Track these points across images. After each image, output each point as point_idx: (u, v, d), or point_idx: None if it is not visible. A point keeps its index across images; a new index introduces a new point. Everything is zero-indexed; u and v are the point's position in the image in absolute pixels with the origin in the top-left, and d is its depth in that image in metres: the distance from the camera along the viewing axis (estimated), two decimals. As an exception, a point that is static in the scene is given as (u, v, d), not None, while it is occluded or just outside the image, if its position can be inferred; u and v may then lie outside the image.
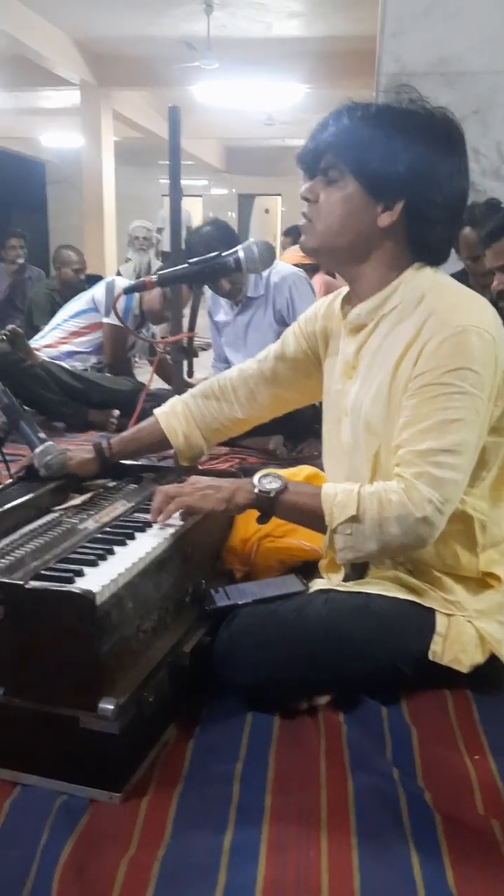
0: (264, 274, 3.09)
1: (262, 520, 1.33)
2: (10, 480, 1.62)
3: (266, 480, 1.31)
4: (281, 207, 15.77)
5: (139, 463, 1.74)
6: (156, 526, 1.36)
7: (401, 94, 1.32)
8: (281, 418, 1.71)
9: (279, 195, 15.62)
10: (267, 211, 15.65)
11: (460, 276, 2.88)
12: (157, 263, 6.40)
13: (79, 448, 1.68)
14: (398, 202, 1.28)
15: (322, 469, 1.61)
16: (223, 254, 1.47)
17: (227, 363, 3.30)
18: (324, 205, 1.32)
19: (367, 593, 1.34)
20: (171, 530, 1.36)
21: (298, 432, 2.92)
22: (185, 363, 1.90)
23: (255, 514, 1.34)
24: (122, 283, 3.81)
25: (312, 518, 1.29)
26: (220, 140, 14.41)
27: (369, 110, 1.30)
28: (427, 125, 1.28)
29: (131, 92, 10.16)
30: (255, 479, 1.31)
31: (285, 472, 1.84)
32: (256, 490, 1.30)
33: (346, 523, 1.24)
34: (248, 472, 1.91)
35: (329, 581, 1.38)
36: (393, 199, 1.28)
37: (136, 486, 1.66)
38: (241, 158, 15.33)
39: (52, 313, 4.15)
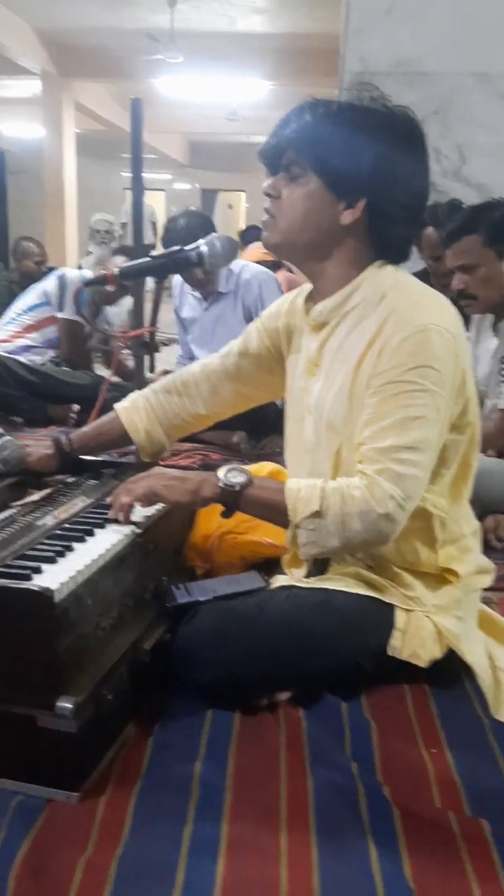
0: (235, 270, 3.11)
1: (227, 514, 1.33)
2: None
3: (231, 475, 1.30)
4: (244, 203, 15.77)
5: (99, 458, 1.72)
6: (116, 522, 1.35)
7: (362, 93, 1.32)
8: (244, 414, 1.71)
9: (243, 191, 15.63)
10: (230, 206, 15.65)
11: (422, 276, 2.92)
12: (120, 259, 6.34)
13: (38, 443, 1.66)
14: (360, 200, 1.29)
15: (284, 466, 1.61)
16: (185, 248, 1.46)
17: (194, 360, 3.28)
18: (286, 201, 1.32)
19: (328, 589, 1.35)
20: (132, 527, 1.35)
21: (261, 428, 2.92)
22: (147, 358, 1.88)
23: (217, 510, 1.33)
24: (74, 275, 3.75)
25: (276, 513, 1.29)
26: (183, 134, 14.35)
27: (331, 107, 1.30)
28: (388, 123, 1.29)
29: (94, 83, 10.07)
30: (220, 472, 1.31)
31: (248, 468, 1.85)
32: (221, 484, 1.30)
33: (309, 518, 1.24)
34: (210, 469, 1.91)
35: (291, 576, 1.38)
36: (355, 197, 1.29)
37: (95, 481, 1.64)
38: (204, 153, 15.30)
39: (13, 306, 4.09)
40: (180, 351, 3.44)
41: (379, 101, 1.31)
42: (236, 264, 3.19)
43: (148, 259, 1.47)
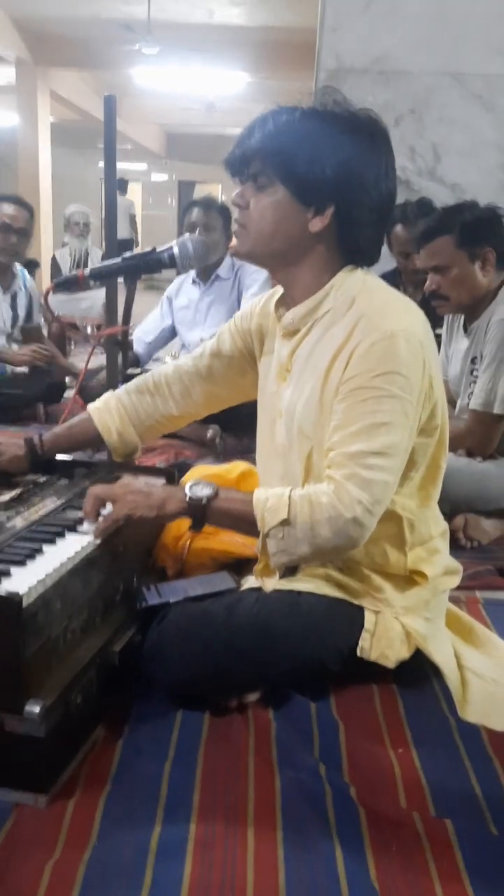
0: (237, 263, 3.22)
1: (195, 527, 1.32)
2: None
3: (197, 488, 1.30)
4: (221, 195, 15.71)
5: (71, 458, 1.72)
6: (86, 523, 1.35)
7: (326, 97, 1.32)
8: (220, 413, 1.71)
9: (220, 183, 15.56)
10: (207, 199, 15.54)
11: (392, 274, 2.94)
12: (96, 251, 6.30)
13: (9, 443, 1.64)
14: (328, 207, 1.29)
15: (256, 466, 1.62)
16: (157, 249, 1.46)
17: (154, 340, 3.39)
18: (254, 211, 1.32)
19: (297, 591, 1.36)
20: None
21: (235, 424, 2.93)
22: (120, 356, 1.88)
23: None
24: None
25: (244, 523, 1.29)
26: (160, 125, 14.25)
27: (294, 115, 1.29)
28: (352, 128, 1.28)
29: (69, 72, 9.94)
30: (186, 487, 1.30)
31: (220, 469, 1.86)
32: (188, 498, 1.29)
33: (277, 527, 1.25)
34: (183, 468, 1.91)
35: (264, 585, 1.38)
36: (323, 204, 1.29)
37: (67, 481, 1.64)
38: (181, 145, 15.21)
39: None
40: (142, 328, 3.45)
41: (342, 105, 1.31)
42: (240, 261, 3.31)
43: (118, 260, 1.46)
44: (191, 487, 1.31)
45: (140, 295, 1.73)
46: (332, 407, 1.30)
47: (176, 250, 1.44)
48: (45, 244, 9.38)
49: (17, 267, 3.59)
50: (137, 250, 1.60)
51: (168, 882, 0.96)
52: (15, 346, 3.68)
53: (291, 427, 1.39)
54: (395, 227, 2.83)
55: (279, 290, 1.48)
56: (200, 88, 9.73)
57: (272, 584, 1.32)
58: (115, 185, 1.96)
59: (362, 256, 1.36)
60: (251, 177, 1.31)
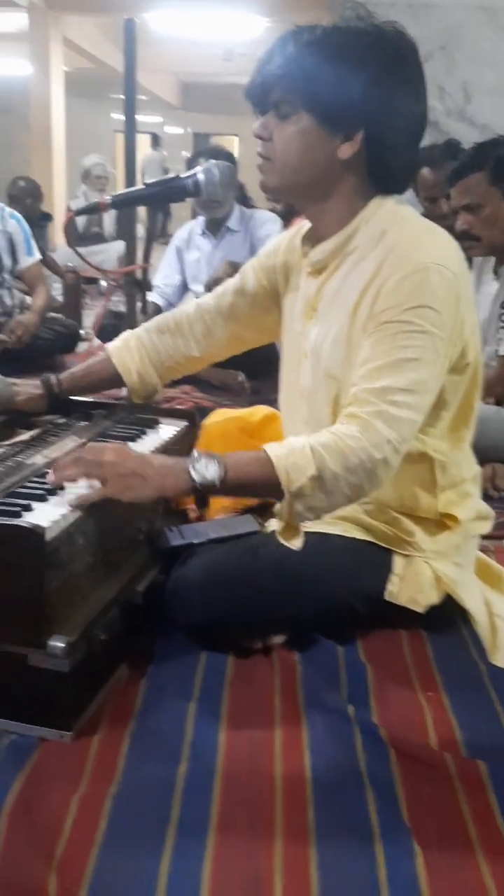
0: (247, 213, 3.18)
1: (201, 504, 1.18)
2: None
3: (202, 466, 1.13)
4: (238, 147, 15.38)
5: (89, 399, 1.68)
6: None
7: (347, 12, 1.24)
8: (244, 357, 1.66)
9: (236, 135, 15.22)
10: (223, 152, 15.24)
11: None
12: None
13: (26, 383, 1.60)
14: (357, 131, 1.21)
15: (278, 409, 1.57)
16: (181, 175, 1.39)
17: (173, 290, 3.32)
18: (279, 142, 1.24)
19: (324, 533, 1.32)
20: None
21: (260, 370, 2.89)
22: (139, 297, 1.82)
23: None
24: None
25: (265, 488, 1.16)
26: (175, 74, 13.91)
27: (315, 34, 1.20)
28: (378, 43, 1.20)
29: (83, 18, 9.67)
30: (191, 466, 1.14)
31: (241, 412, 1.81)
32: (197, 482, 1.13)
33: (306, 484, 1.12)
34: (203, 413, 1.87)
35: (293, 546, 1.22)
36: (352, 129, 1.21)
37: (86, 422, 1.60)
38: (197, 95, 14.86)
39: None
40: (161, 276, 3.36)
41: (366, 21, 1.22)
42: (249, 210, 3.28)
43: (142, 187, 1.40)
44: (195, 467, 1.14)
45: (157, 251, 1.68)
46: (360, 345, 1.24)
47: (201, 176, 1.38)
48: (59, 196, 9.23)
49: None
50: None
51: (195, 817, 0.95)
52: (17, 293, 3.58)
53: (318, 368, 1.34)
54: (422, 169, 2.73)
55: (305, 225, 1.41)
56: (217, 34, 9.45)
57: (299, 542, 1.18)
58: (135, 120, 1.89)
59: (394, 183, 1.30)
60: (273, 106, 1.23)
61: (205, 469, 1.13)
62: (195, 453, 1.16)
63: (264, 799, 0.98)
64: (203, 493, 1.15)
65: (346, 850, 0.91)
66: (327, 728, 1.11)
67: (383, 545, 1.34)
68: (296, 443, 1.16)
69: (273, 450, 1.15)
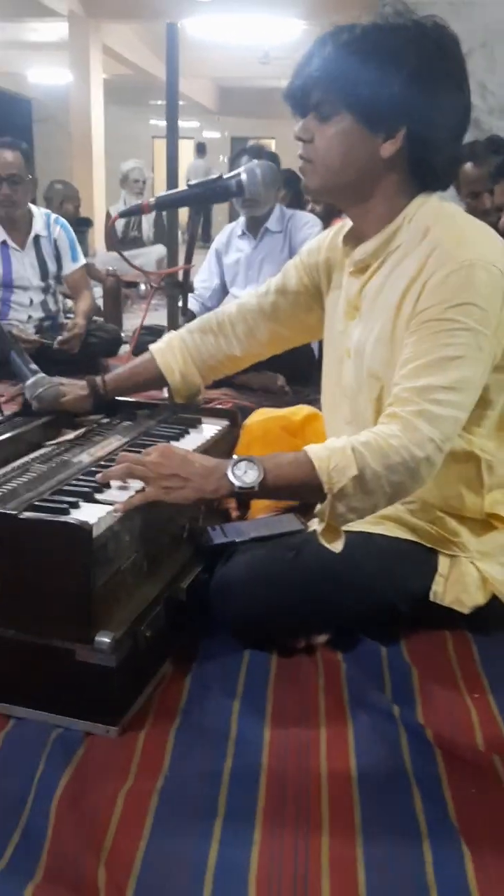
0: (287, 214, 3.15)
1: (243, 506, 1.22)
2: (7, 415, 1.56)
3: (242, 472, 1.14)
4: (275, 151, 15.39)
5: (133, 399, 1.69)
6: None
7: (386, 8, 1.22)
8: (279, 361, 1.66)
9: (273, 138, 15.24)
10: (260, 156, 15.26)
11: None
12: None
13: (73, 383, 1.62)
14: (399, 129, 1.20)
15: (321, 409, 1.57)
16: (224, 176, 1.40)
17: (211, 293, 3.31)
18: (320, 144, 1.23)
19: (368, 532, 1.31)
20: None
21: (298, 375, 2.89)
22: (180, 298, 1.83)
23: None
24: None
25: (305, 490, 1.16)
26: (213, 80, 13.98)
27: (354, 33, 1.19)
28: (417, 37, 1.18)
29: (122, 25, 9.79)
30: (230, 470, 1.15)
31: (284, 412, 1.81)
32: (237, 487, 1.14)
33: (348, 485, 1.12)
34: (245, 412, 1.88)
35: (334, 549, 1.20)
36: (393, 127, 1.20)
37: (130, 422, 1.62)
38: (234, 99, 14.91)
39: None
40: (201, 280, 3.35)
41: (405, 16, 1.20)
42: (289, 210, 3.24)
43: (185, 188, 1.41)
44: (233, 472, 1.15)
45: (199, 255, 1.68)
46: (403, 344, 1.22)
47: (244, 177, 1.38)
48: (98, 202, 9.35)
49: (37, 212, 3.35)
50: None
51: (242, 813, 0.95)
52: (61, 298, 3.63)
53: (360, 367, 1.33)
54: (464, 165, 2.70)
55: (347, 223, 1.41)
56: (255, 37, 9.48)
57: (340, 544, 1.18)
58: (177, 123, 1.90)
59: (437, 180, 1.28)
60: (313, 107, 1.23)
61: (244, 474, 1.14)
62: (235, 458, 1.16)
63: (311, 796, 0.98)
64: (242, 497, 1.15)
65: (393, 851, 0.90)
66: (373, 728, 1.10)
67: (428, 545, 1.33)
68: (336, 444, 1.16)
69: (314, 451, 1.15)
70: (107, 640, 1.05)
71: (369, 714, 1.13)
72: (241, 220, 3.27)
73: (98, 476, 1.20)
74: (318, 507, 1.17)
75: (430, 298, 1.18)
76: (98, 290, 4.76)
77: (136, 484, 1.20)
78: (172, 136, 1.93)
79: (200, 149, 12.90)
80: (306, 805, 0.97)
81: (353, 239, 1.36)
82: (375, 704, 1.15)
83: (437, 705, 1.17)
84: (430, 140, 1.21)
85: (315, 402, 1.68)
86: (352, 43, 1.18)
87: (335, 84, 1.19)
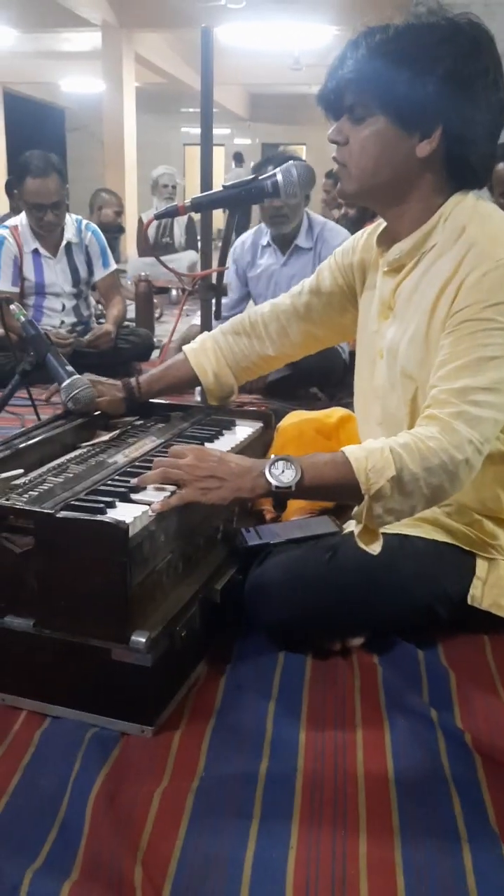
0: (315, 227, 3.03)
1: (279, 507, 1.19)
2: (51, 416, 1.57)
3: (279, 472, 1.14)
4: (305, 157, 15.41)
5: (167, 401, 1.70)
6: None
7: (419, 7, 1.21)
8: (314, 366, 1.64)
9: (303, 144, 15.25)
10: (291, 161, 15.30)
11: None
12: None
13: (108, 385, 1.63)
14: (435, 128, 1.19)
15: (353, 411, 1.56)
16: (260, 177, 1.40)
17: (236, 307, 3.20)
18: (355, 146, 1.23)
19: (404, 535, 1.30)
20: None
21: (331, 381, 2.87)
22: (213, 302, 1.84)
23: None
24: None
25: (342, 491, 1.16)
26: (243, 86, 14.03)
27: (387, 33, 1.18)
28: (451, 35, 1.17)
29: (154, 34, 9.88)
30: (267, 469, 1.15)
31: (318, 414, 1.80)
32: (273, 486, 1.13)
33: (386, 486, 1.11)
34: (279, 414, 1.87)
35: (372, 550, 1.19)
36: (429, 127, 1.19)
37: (164, 424, 1.62)
38: (265, 105, 14.96)
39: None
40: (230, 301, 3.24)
41: (438, 13, 1.19)
42: (317, 221, 3.10)
43: (220, 189, 1.41)
44: (270, 471, 1.14)
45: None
46: (438, 344, 1.21)
47: (279, 177, 1.37)
48: (130, 210, 9.42)
49: (69, 219, 3.36)
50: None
51: (278, 814, 0.94)
52: (93, 303, 3.67)
53: (394, 367, 1.32)
54: (497, 164, 2.65)
55: (381, 224, 1.40)
56: (286, 44, 9.49)
57: (378, 546, 1.17)
58: (211, 128, 1.91)
59: (474, 177, 1.26)
60: (347, 110, 1.22)
61: (281, 473, 1.14)
62: (272, 457, 1.16)
63: (348, 799, 0.97)
64: (279, 497, 1.15)
65: (432, 856, 0.89)
66: (410, 731, 1.09)
67: (466, 548, 1.31)
68: (374, 444, 1.15)
69: (351, 452, 1.14)
70: (142, 639, 1.05)
71: (407, 717, 1.12)
72: (262, 229, 3.15)
73: (134, 481, 1.21)
74: (356, 508, 1.17)
75: (466, 298, 1.17)
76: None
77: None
78: (207, 142, 1.94)
79: (238, 158, 13.02)
80: (343, 808, 0.96)
81: (387, 239, 1.35)
82: (413, 708, 1.13)
83: (476, 710, 1.15)
84: (467, 137, 1.20)
85: (348, 405, 1.67)
86: (385, 43, 1.17)
87: (369, 85, 1.18)
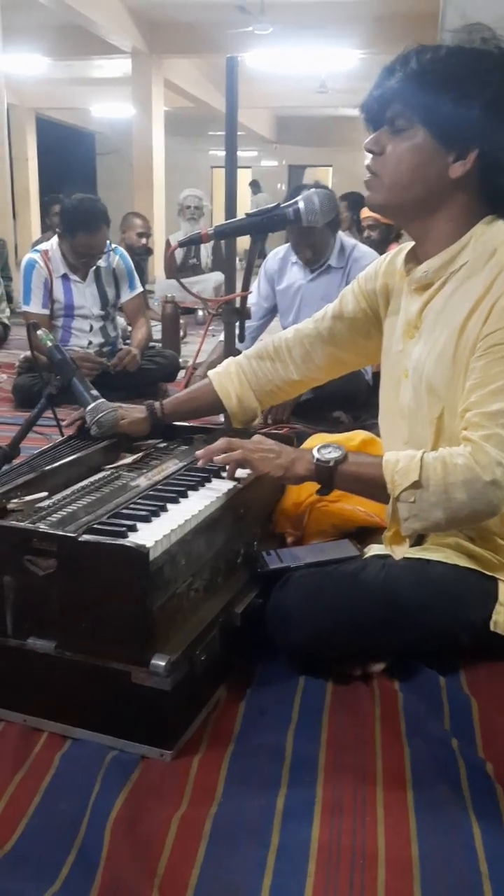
0: (347, 248, 3.04)
1: (323, 491, 1.28)
2: (62, 439, 1.61)
3: (326, 451, 1.26)
4: (332, 179, 15.51)
5: (191, 424, 1.72)
6: (209, 484, 1.34)
7: (472, 34, 1.23)
8: (338, 389, 1.65)
9: (330, 166, 15.37)
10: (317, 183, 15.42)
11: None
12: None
13: (131, 408, 1.66)
14: (471, 151, 1.20)
15: (378, 435, 1.56)
16: (282, 204, 1.41)
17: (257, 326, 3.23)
18: (391, 156, 1.25)
19: (426, 560, 1.30)
20: (224, 490, 1.33)
21: (355, 404, 2.86)
22: (237, 325, 1.85)
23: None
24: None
25: (374, 487, 1.23)
26: (270, 109, 14.19)
27: (439, 53, 1.21)
28: (501, 65, 1.20)
29: (182, 60, 10.06)
30: (314, 450, 1.27)
31: (340, 437, 1.81)
32: (315, 459, 1.25)
33: (408, 490, 1.17)
34: (302, 438, 1.88)
35: (394, 553, 1.27)
36: (465, 148, 1.20)
37: (187, 447, 1.64)
38: (291, 128, 15.10)
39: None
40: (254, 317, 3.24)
41: (491, 43, 1.22)
42: (348, 242, 3.12)
43: (243, 217, 1.43)
44: (319, 450, 1.26)
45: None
46: (466, 364, 1.22)
47: (301, 205, 1.39)
48: (158, 232, 9.55)
49: None
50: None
51: (296, 844, 0.94)
52: (121, 321, 3.72)
53: (419, 386, 1.32)
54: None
55: (405, 247, 1.41)
56: (312, 67, 9.60)
57: (402, 551, 1.25)
58: (236, 154, 1.94)
59: None
60: (388, 121, 1.24)
61: (328, 453, 1.26)
62: (322, 443, 1.29)
63: (367, 829, 0.96)
64: (322, 472, 1.25)
65: (452, 889, 0.88)
66: (431, 759, 1.08)
67: (488, 573, 1.30)
68: (410, 452, 1.21)
69: (388, 455, 1.23)
70: (162, 663, 1.05)
71: (428, 745, 1.11)
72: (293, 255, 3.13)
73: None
74: (387, 508, 1.22)
75: (497, 321, 1.18)
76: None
77: (202, 503, 1.27)
78: (231, 167, 1.97)
79: (255, 185, 13.18)
80: (362, 837, 0.95)
81: (414, 258, 1.36)
82: (434, 736, 1.12)
83: (498, 739, 1.13)
84: (501, 164, 1.21)
85: (371, 426, 1.68)
86: (436, 62, 1.20)
87: (415, 98, 1.21)
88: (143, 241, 5.58)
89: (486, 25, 1.25)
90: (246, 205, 12.43)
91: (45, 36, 8.77)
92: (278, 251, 3.23)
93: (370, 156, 1.28)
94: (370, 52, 8.65)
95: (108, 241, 3.51)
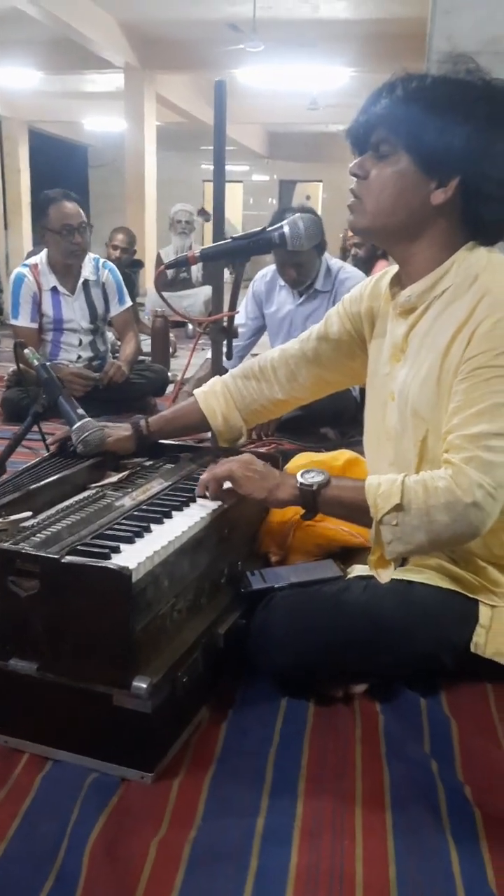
0: (333, 270, 3.05)
1: (307, 515, 1.29)
2: (45, 456, 1.61)
3: (309, 475, 1.26)
4: (322, 194, 15.63)
5: (176, 442, 1.72)
6: (193, 504, 1.34)
7: (458, 65, 1.26)
8: (326, 408, 1.66)
9: (320, 181, 15.48)
10: (308, 198, 15.52)
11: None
12: (198, 248, 6.42)
13: (117, 426, 1.66)
14: (453, 179, 1.23)
15: (363, 454, 1.57)
16: (267, 228, 1.43)
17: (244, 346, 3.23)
18: (374, 181, 1.27)
19: (408, 581, 1.30)
20: (209, 510, 1.34)
21: (343, 420, 2.88)
22: (225, 344, 1.86)
23: None
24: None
25: (357, 511, 1.24)
26: (262, 125, 14.29)
27: (424, 82, 1.24)
28: (485, 97, 1.22)
29: (175, 75, 10.12)
30: (298, 475, 1.27)
31: (325, 456, 1.82)
32: (299, 483, 1.26)
33: (391, 513, 1.18)
34: (287, 456, 1.89)
35: (378, 577, 1.26)
36: (447, 176, 1.23)
37: (172, 465, 1.64)
38: (283, 144, 15.21)
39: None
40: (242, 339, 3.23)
41: (475, 74, 1.24)
42: (334, 263, 3.12)
43: (228, 240, 1.44)
44: (302, 475, 1.27)
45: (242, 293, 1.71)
46: (450, 388, 1.23)
47: (286, 229, 1.41)
48: (150, 245, 9.58)
49: (87, 257, 3.44)
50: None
51: (274, 868, 0.94)
52: (110, 335, 3.74)
53: (405, 409, 1.33)
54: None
55: (391, 270, 1.43)
56: (303, 85, 9.69)
57: (387, 575, 1.24)
58: (224, 174, 1.95)
59: (486, 233, 1.29)
60: (373, 146, 1.26)
61: (311, 477, 1.26)
62: (306, 468, 1.29)
63: (345, 853, 0.96)
64: (306, 497, 1.25)
65: (429, 914, 0.88)
66: (411, 782, 1.08)
67: (469, 595, 1.31)
68: (391, 476, 1.22)
69: (370, 478, 1.23)
70: (144, 685, 1.05)
71: (407, 768, 1.12)
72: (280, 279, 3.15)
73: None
74: (371, 531, 1.23)
75: (479, 345, 1.19)
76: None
77: (187, 523, 1.28)
78: (219, 186, 1.98)
79: (203, 213, 13.18)
80: (340, 862, 0.95)
81: (398, 281, 1.38)
82: (413, 759, 1.13)
83: (477, 762, 1.14)
84: (482, 193, 1.23)
85: (358, 443, 1.69)
86: (422, 90, 1.22)
87: (400, 124, 1.23)
88: (117, 254, 5.58)
89: (470, 57, 1.28)
90: (238, 221, 12.47)
91: (38, 50, 8.81)
92: (266, 273, 3.24)
93: (354, 179, 1.30)
94: (360, 71, 8.74)
95: (96, 257, 3.52)
